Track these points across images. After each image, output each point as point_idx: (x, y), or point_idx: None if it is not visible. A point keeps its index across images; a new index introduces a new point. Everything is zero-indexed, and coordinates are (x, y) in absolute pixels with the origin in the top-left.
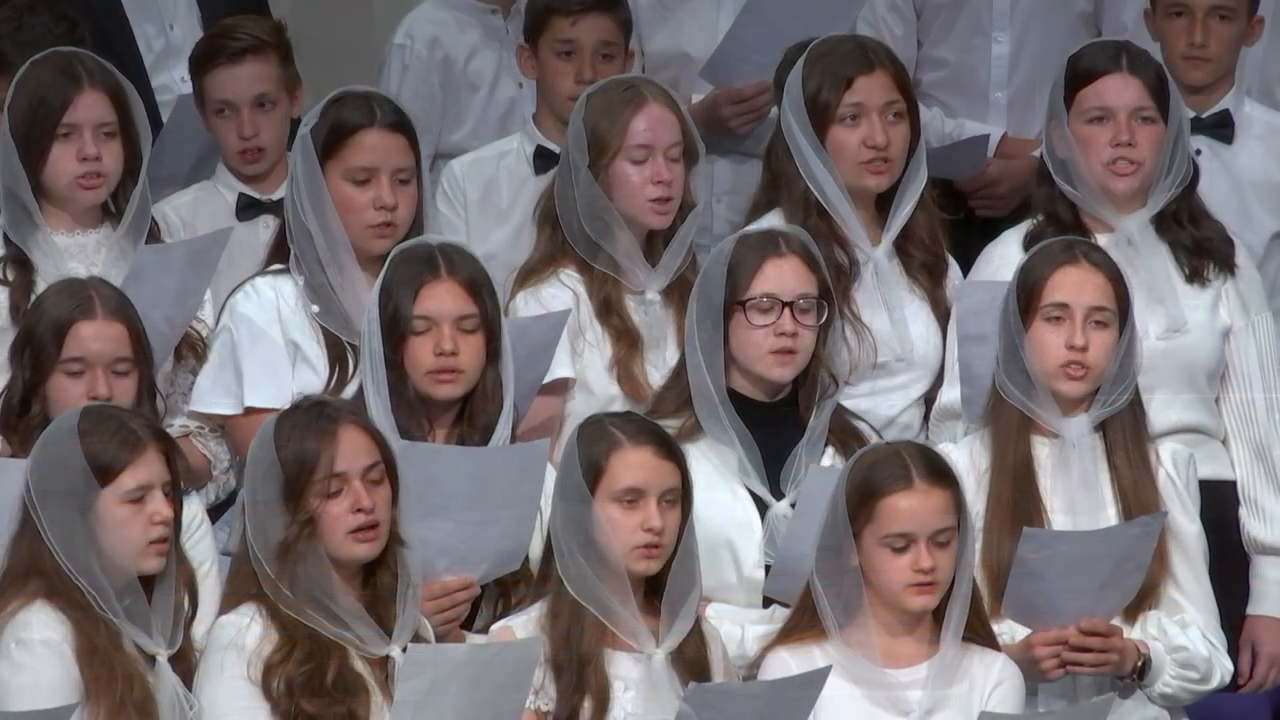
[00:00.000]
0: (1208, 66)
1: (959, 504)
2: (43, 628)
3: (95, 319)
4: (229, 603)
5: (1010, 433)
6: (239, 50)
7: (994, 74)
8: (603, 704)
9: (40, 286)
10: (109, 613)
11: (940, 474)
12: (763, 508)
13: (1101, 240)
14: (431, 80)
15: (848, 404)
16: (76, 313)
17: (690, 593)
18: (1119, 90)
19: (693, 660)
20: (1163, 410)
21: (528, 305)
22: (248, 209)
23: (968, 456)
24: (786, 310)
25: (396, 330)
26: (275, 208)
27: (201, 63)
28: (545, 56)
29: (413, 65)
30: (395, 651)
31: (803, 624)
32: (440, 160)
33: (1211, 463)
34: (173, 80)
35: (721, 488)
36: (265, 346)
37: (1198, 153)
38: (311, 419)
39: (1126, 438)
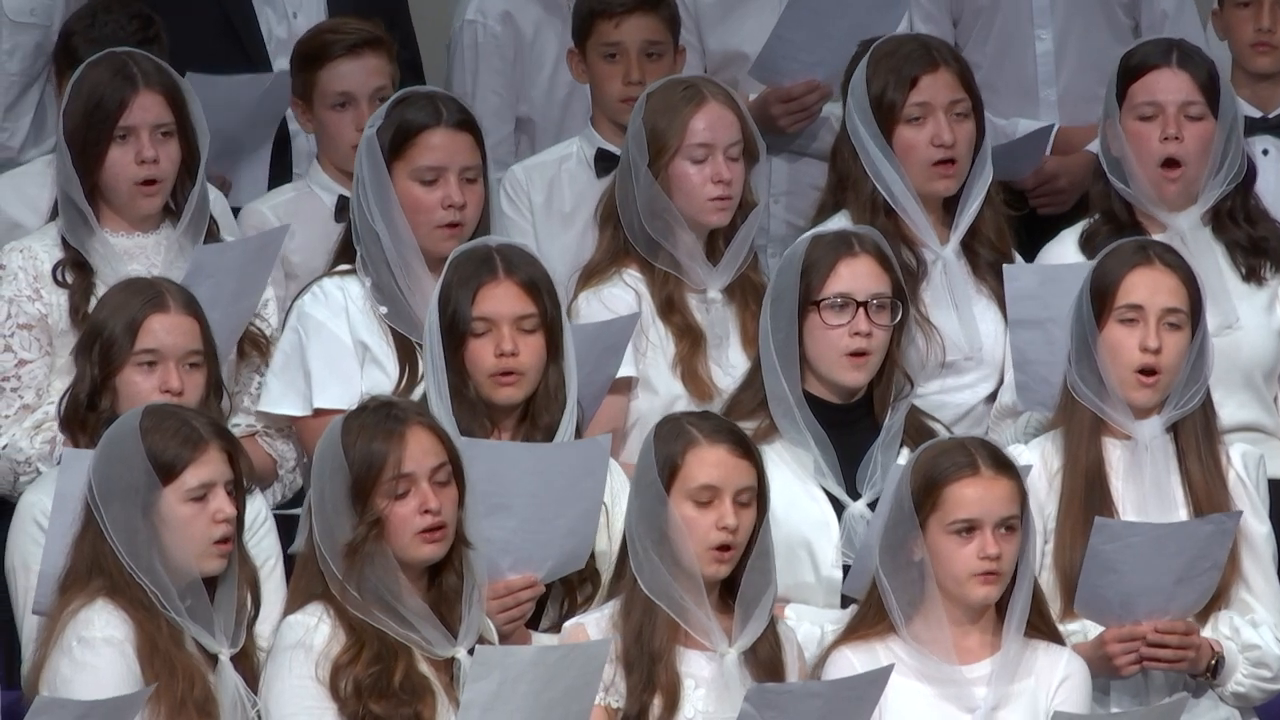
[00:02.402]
0: (1276, 54)
1: (1023, 495)
2: (104, 626)
3: (169, 312)
4: (295, 602)
5: (1082, 433)
6: (358, 43)
7: (1040, 72)
8: (673, 701)
9: (99, 289)
10: (171, 611)
11: (1004, 463)
12: (839, 508)
13: (1158, 238)
14: (506, 56)
15: (916, 403)
16: (150, 306)
17: (765, 593)
18: (1166, 85)
19: (766, 660)
20: (1219, 408)
21: (590, 305)
22: (345, 210)
23: (1040, 457)
24: (861, 310)
25: (456, 332)
26: None
27: (314, 58)
28: (593, 60)
29: (486, 42)
30: (460, 653)
31: (868, 621)
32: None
33: (1269, 461)
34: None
35: (798, 489)
36: (333, 347)
37: (1264, 153)
38: (379, 420)
39: (1198, 439)
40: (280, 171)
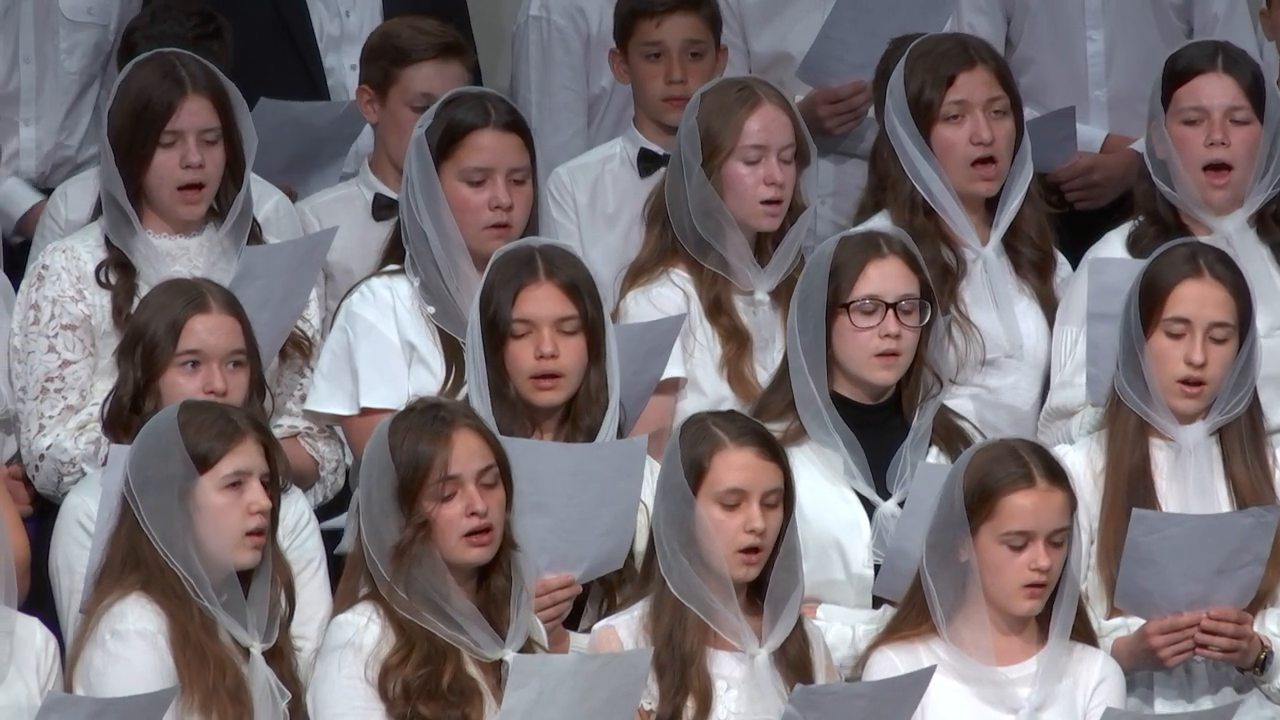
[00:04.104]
0: None
1: (1073, 505)
2: (137, 619)
3: (210, 312)
4: (345, 602)
5: (1128, 435)
6: (446, 47)
7: (1091, 72)
8: (706, 703)
9: (142, 290)
10: (204, 600)
11: (1057, 474)
12: (870, 508)
13: (1203, 240)
14: (573, 49)
15: (956, 403)
16: (191, 307)
17: (793, 592)
18: (1212, 89)
19: (796, 659)
20: (1267, 410)
21: (638, 305)
22: (384, 209)
23: (1085, 457)
24: (890, 312)
25: (497, 333)
26: None
27: (403, 53)
28: (635, 60)
29: (551, 37)
30: (509, 655)
31: (910, 621)
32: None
33: None
34: (341, 65)
35: (829, 490)
36: (380, 347)
37: None
38: (426, 421)
39: (1243, 443)
40: None
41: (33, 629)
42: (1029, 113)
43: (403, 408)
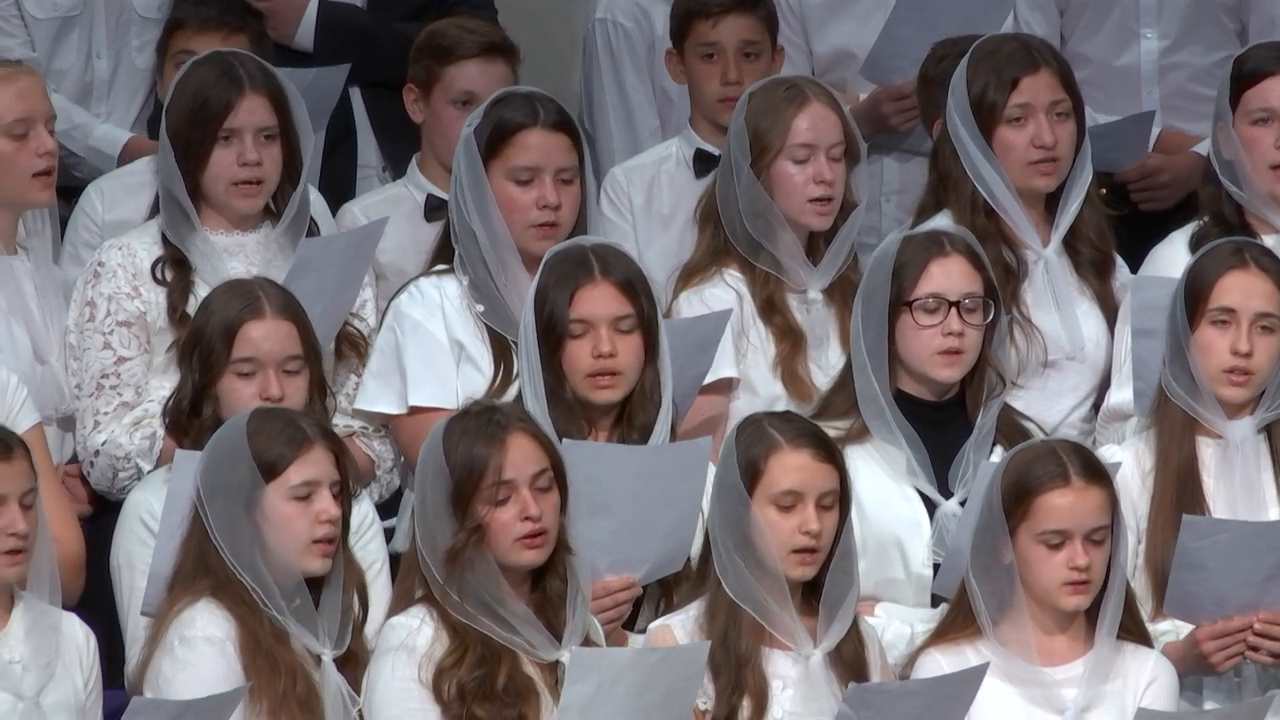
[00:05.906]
0: None
1: (1113, 503)
2: (206, 625)
3: (265, 318)
4: (399, 604)
5: (1175, 432)
6: (490, 46)
7: (1144, 70)
8: (761, 703)
9: (198, 287)
10: (273, 609)
11: (1096, 472)
12: (932, 507)
13: (1268, 241)
14: (638, 51)
15: (1018, 404)
16: (246, 313)
17: (848, 593)
18: None
19: (851, 660)
20: None
21: (691, 305)
22: (437, 209)
23: (1133, 456)
24: (953, 310)
25: (553, 334)
26: None
27: (446, 51)
28: (690, 60)
29: (618, 38)
30: (565, 656)
31: (957, 623)
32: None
33: None
34: None
35: (891, 488)
36: (429, 346)
37: None
38: (481, 425)
39: None
40: (347, 168)
41: (74, 626)
42: (1088, 115)
43: (450, 406)
